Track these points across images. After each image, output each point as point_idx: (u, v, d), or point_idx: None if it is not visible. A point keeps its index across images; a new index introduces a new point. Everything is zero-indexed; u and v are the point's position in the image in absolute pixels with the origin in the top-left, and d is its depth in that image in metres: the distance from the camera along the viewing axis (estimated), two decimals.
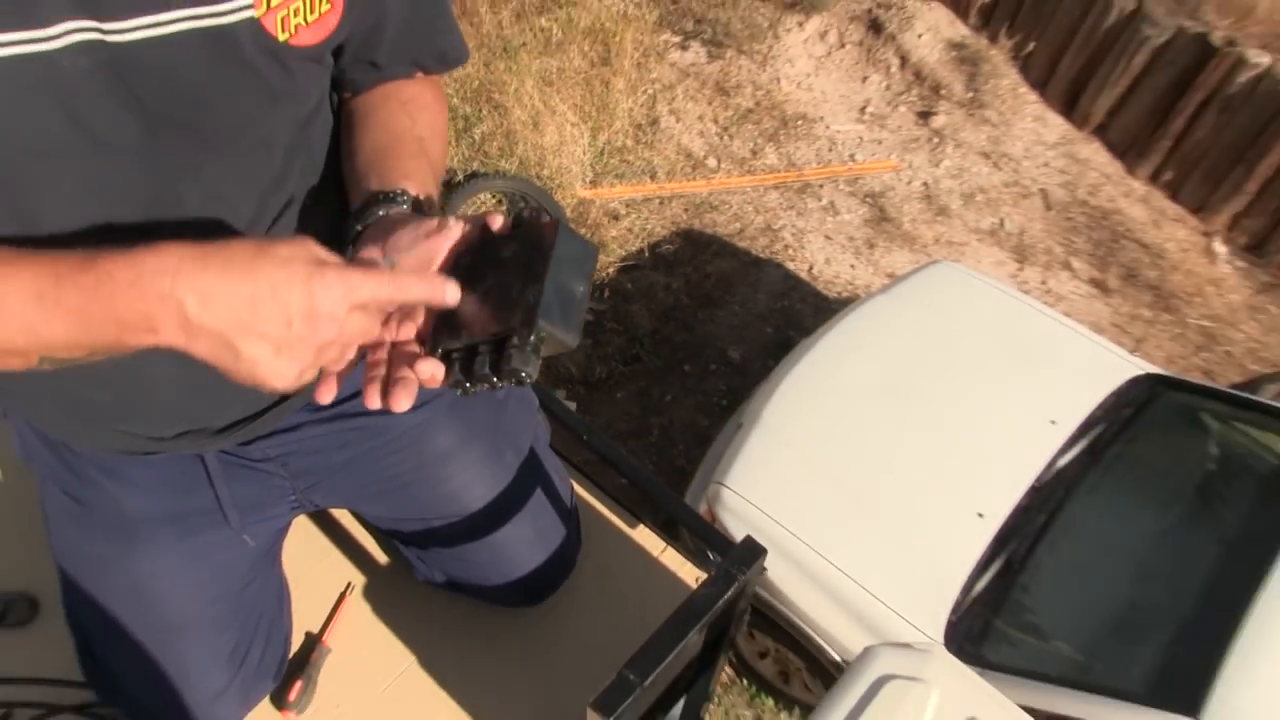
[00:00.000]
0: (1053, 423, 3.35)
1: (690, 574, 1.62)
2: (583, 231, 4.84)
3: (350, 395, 1.33)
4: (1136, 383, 3.51)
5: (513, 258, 0.88)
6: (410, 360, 0.89)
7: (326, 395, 0.90)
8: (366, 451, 1.36)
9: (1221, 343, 4.96)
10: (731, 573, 1.11)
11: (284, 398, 1.25)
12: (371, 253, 0.93)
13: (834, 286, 4.93)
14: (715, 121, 5.50)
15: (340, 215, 1.18)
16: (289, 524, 1.49)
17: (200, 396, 1.17)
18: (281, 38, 0.94)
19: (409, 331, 0.91)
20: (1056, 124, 5.65)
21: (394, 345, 0.92)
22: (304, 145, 1.08)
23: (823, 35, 5.87)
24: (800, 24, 5.82)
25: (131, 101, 0.88)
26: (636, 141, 5.29)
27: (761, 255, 4.98)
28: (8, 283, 0.80)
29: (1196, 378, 4.52)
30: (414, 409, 1.38)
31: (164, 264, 0.79)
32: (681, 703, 1.49)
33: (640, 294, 4.67)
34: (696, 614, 1.09)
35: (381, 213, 1.00)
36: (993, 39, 5.73)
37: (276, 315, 0.79)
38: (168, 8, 0.85)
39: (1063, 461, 3.26)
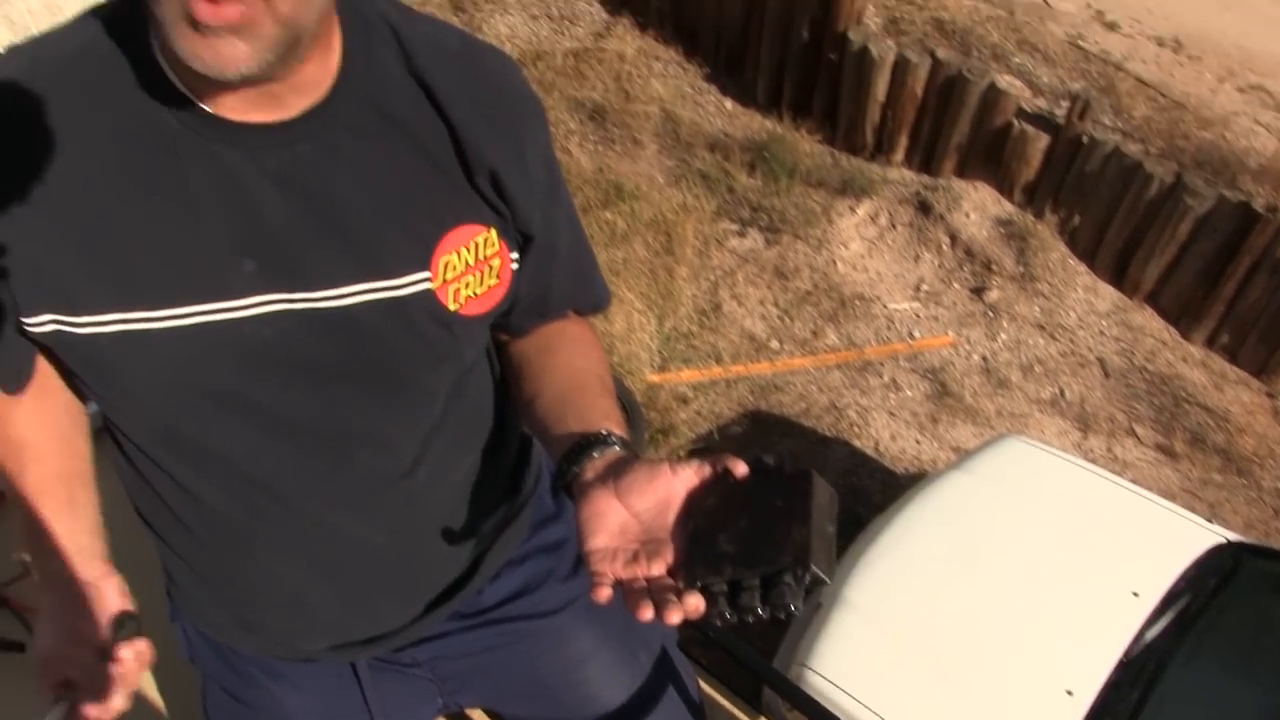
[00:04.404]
0: (1135, 595, 3.33)
1: None
2: (652, 415, 4.98)
3: (496, 604, 1.44)
4: (1219, 551, 3.49)
5: (769, 501, 0.95)
6: (671, 590, 0.93)
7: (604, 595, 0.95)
8: (511, 655, 1.44)
9: None
10: None
11: (430, 609, 1.35)
12: (602, 495, 0.99)
13: (901, 462, 5.00)
14: (776, 304, 5.71)
15: (493, 451, 1.29)
16: None
17: (355, 613, 1.27)
18: (452, 308, 1.03)
19: (660, 568, 0.96)
20: (1108, 293, 5.78)
21: (649, 580, 0.96)
22: (462, 392, 1.17)
23: (874, 218, 6.12)
24: (852, 208, 6.08)
25: (307, 359, 1.00)
26: (701, 326, 5.49)
27: (828, 434, 5.08)
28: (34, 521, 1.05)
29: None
30: (554, 612, 1.47)
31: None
32: None
33: None
34: None
35: (595, 454, 1.05)
36: (1038, 215, 5.93)
37: None
38: (352, 282, 0.97)
39: (1150, 635, 3.23)
